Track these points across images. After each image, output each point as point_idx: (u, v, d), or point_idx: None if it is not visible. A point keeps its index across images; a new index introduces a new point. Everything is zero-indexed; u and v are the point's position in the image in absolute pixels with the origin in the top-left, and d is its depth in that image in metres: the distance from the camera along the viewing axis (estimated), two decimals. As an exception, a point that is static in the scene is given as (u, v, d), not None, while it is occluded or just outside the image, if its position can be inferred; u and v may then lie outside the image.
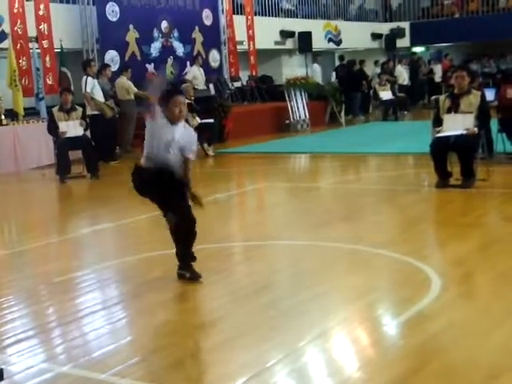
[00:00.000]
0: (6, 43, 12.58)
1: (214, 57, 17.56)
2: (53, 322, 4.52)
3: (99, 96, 12.34)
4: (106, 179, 10.62)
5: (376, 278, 5.07)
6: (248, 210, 8.70)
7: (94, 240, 6.95)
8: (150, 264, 5.65)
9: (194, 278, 4.98)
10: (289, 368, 3.53)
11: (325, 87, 18.51)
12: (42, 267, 5.91)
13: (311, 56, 20.49)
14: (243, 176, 11.06)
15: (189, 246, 5.02)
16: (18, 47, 12.68)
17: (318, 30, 21.32)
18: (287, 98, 16.81)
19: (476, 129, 7.97)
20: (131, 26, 15.12)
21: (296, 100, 16.96)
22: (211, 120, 13.00)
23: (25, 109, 12.77)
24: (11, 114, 12.44)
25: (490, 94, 10.03)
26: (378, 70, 21.65)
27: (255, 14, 19.08)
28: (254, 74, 18.99)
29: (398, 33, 24.71)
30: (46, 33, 13.26)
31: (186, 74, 15.97)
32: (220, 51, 17.73)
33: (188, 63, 16.39)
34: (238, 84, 18.48)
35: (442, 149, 8.03)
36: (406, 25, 25.02)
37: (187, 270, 5.00)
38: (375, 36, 24.47)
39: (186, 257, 5.03)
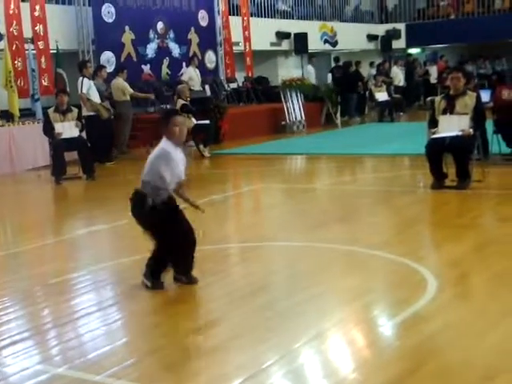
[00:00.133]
0: (2, 44, 12.55)
1: (210, 58, 17.56)
2: (48, 323, 4.51)
3: (95, 97, 12.33)
4: (102, 180, 10.61)
5: (372, 280, 5.07)
6: (244, 211, 8.70)
7: (89, 241, 6.94)
8: (146, 265, 5.63)
9: (192, 281, 4.97)
10: (285, 369, 3.53)
11: (321, 88, 18.53)
12: (37, 268, 5.90)
13: (307, 57, 20.51)
14: (239, 177, 11.06)
15: (191, 257, 5.00)
16: (14, 48, 12.65)
17: (313, 31, 21.33)
18: (283, 99, 16.82)
19: (471, 130, 7.98)
20: (127, 27, 15.11)
21: (292, 101, 16.96)
22: (207, 121, 13.00)
23: (20, 110, 12.75)
24: (6, 115, 12.42)
25: (485, 96, 10.06)
26: (374, 71, 21.69)
27: (251, 15, 19.08)
28: (249, 75, 18.99)
29: (393, 34, 24.74)
30: (42, 34, 13.23)
31: (181, 75, 15.96)
32: (216, 52, 17.73)
33: (184, 64, 16.37)
34: (233, 85, 18.48)
35: (437, 150, 8.04)
36: (401, 26, 25.05)
37: (184, 275, 4.99)
38: (371, 37, 24.50)
39: (185, 264, 5.01)
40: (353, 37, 23.27)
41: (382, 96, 18.36)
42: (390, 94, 18.85)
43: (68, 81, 13.55)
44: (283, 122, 16.78)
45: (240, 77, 18.95)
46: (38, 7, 13.12)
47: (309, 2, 22.21)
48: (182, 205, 5.03)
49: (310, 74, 19.37)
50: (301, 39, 20.27)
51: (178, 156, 4.89)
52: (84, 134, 11.33)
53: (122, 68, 13.84)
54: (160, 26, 16.00)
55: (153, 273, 4.95)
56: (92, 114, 12.17)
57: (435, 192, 8.09)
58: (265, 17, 20.15)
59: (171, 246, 4.89)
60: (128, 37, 15.16)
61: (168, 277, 5.04)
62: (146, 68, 15.69)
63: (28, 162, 12.08)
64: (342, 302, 4.61)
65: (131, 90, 13.22)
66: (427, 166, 8.22)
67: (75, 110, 10.86)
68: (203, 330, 4.20)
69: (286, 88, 16.97)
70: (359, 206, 7.89)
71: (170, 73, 16.27)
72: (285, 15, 21.07)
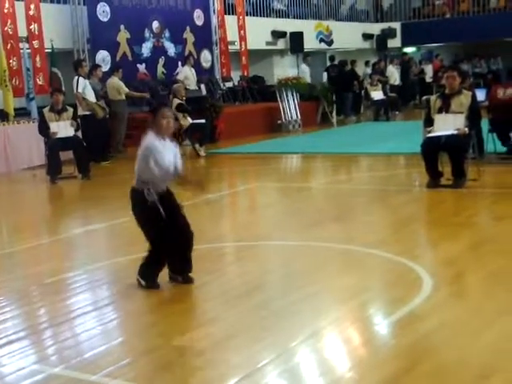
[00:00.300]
0: (-4, 43, 12.54)
1: (206, 57, 17.54)
2: (44, 323, 4.51)
3: (91, 96, 12.31)
4: (98, 180, 10.59)
5: (368, 278, 5.08)
6: (240, 210, 8.70)
7: (85, 241, 6.93)
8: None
9: (188, 281, 4.97)
10: (280, 368, 3.54)
11: (316, 87, 18.53)
12: (33, 268, 5.89)
13: (303, 56, 20.51)
14: (235, 176, 11.06)
15: (187, 256, 5.00)
16: (9, 47, 12.63)
17: (309, 30, 21.33)
18: (279, 99, 16.82)
19: (467, 129, 7.99)
20: (122, 27, 15.09)
21: (287, 100, 16.96)
22: (203, 120, 12.99)
23: (16, 109, 12.72)
24: (1, 115, 12.39)
25: (480, 94, 10.08)
26: (369, 70, 21.71)
27: (247, 14, 19.06)
28: (245, 74, 18.98)
29: (389, 33, 24.75)
30: (37, 33, 13.20)
31: (177, 74, 15.94)
32: (211, 51, 17.72)
33: (179, 63, 16.36)
34: (229, 84, 18.47)
35: (433, 149, 8.05)
36: (397, 25, 25.07)
37: (180, 274, 4.99)
38: (366, 36, 24.51)
39: (181, 263, 5.01)
40: (348, 36, 23.28)
41: (377, 95, 18.37)
42: (385, 93, 18.86)
43: (63, 80, 13.52)
44: (279, 121, 16.78)
45: (236, 76, 18.94)
46: (32, 6, 13.09)
47: (304, 1, 22.20)
48: (182, 202, 5.02)
49: (305, 73, 19.37)
50: (296, 38, 20.27)
51: (167, 146, 4.88)
52: (79, 134, 11.32)
53: (117, 67, 13.83)
54: (155, 25, 15.98)
55: (148, 272, 4.95)
56: (87, 113, 12.16)
57: (431, 191, 8.10)
58: (260, 16, 20.14)
59: (166, 244, 4.89)
60: (123, 36, 15.13)
61: (163, 276, 5.04)
62: (142, 67, 15.67)
63: (23, 162, 12.06)
64: (337, 300, 4.61)
65: (126, 90, 13.20)
66: (423, 164, 8.23)
67: (70, 110, 10.84)
68: (199, 330, 4.20)
69: (282, 87, 16.97)
70: (355, 205, 7.90)
71: (165, 72, 16.25)
72: (280, 14, 21.06)
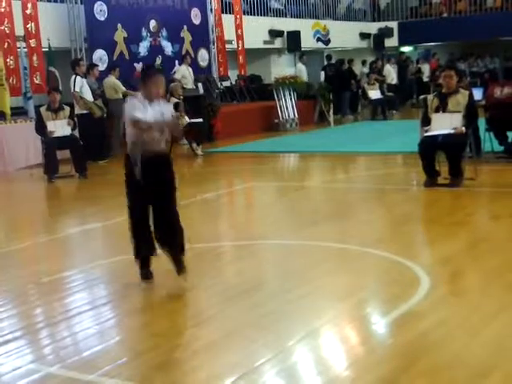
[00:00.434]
0: (-7, 42, 12.52)
1: (203, 56, 17.52)
2: (41, 322, 4.50)
3: (88, 95, 12.30)
4: (95, 179, 10.58)
5: (364, 277, 5.08)
6: (237, 209, 8.69)
7: (82, 240, 6.93)
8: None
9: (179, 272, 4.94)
10: (278, 367, 3.53)
11: (313, 86, 18.52)
12: (29, 267, 5.88)
13: (299, 55, 20.52)
14: (232, 175, 11.05)
15: (174, 253, 4.98)
16: (6, 46, 12.60)
17: (306, 29, 21.33)
18: (276, 98, 16.82)
19: (464, 128, 7.99)
20: (119, 25, 15.06)
21: (285, 99, 16.96)
22: (200, 119, 12.98)
23: (13, 108, 12.70)
24: (-2, 114, 12.38)
25: (477, 94, 10.08)
26: (365, 69, 21.72)
27: (244, 13, 19.05)
28: (242, 73, 18.97)
29: (386, 32, 24.76)
30: (34, 32, 13.18)
31: (174, 73, 15.91)
32: (209, 50, 17.70)
33: (176, 62, 16.33)
34: (226, 83, 18.46)
35: (430, 148, 8.05)
36: (394, 24, 25.08)
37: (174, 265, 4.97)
38: (363, 35, 24.51)
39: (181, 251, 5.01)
40: (345, 35, 23.28)
41: (374, 94, 18.39)
42: (382, 92, 18.88)
43: (60, 79, 13.50)
44: (276, 120, 16.78)
45: (233, 75, 18.93)
46: (29, 5, 13.06)
47: (302, 0, 22.20)
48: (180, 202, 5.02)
49: (301, 71, 19.37)
50: (294, 37, 20.27)
51: (152, 106, 4.78)
52: (77, 133, 11.31)
53: (114, 66, 13.81)
54: (152, 24, 15.95)
55: (134, 250, 4.98)
56: (85, 112, 12.15)
57: (428, 190, 8.11)
58: (258, 15, 20.13)
59: (136, 220, 4.92)
60: (120, 35, 15.11)
61: (161, 275, 5.03)
62: (139, 66, 15.60)
63: (20, 161, 12.04)
64: (334, 299, 4.61)
65: (124, 88, 13.18)
66: (420, 163, 8.24)
67: (67, 109, 10.84)
68: (196, 329, 4.20)
69: (279, 86, 16.97)
70: (352, 204, 7.90)
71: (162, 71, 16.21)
72: (278, 13, 21.05)
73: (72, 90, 12.20)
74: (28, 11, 13.06)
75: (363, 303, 4.52)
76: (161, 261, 5.07)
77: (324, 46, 22.66)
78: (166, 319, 4.39)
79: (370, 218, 7.09)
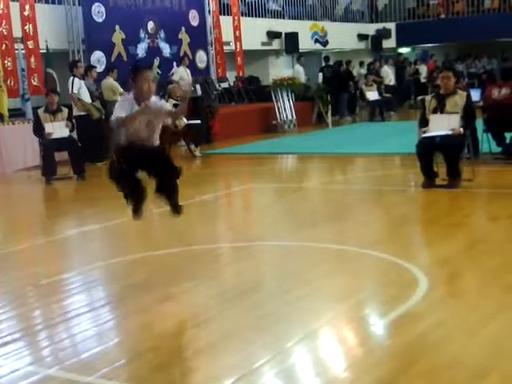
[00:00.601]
0: (-9, 44, 12.51)
1: (201, 57, 17.54)
2: (39, 324, 4.50)
3: (86, 97, 12.30)
4: (93, 180, 10.57)
5: (363, 278, 5.08)
6: (235, 210, 8.70)
7: (80, 241, 6.92)
8: (137, 266, 5.63)
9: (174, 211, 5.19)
10: (276, 369, 3.54)
11: (311, 88, 18.53)
12: (28, 269, 5.88)
13: (296, 57, 20.54)
14: (230, 177, 11.05)
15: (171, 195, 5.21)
16: (3, 48, 12.60)
17: (304, 30, 21.35)
18: (274, 99, 16.82)
19: (462, 129, 8.01)
20: (117, 27, 15.07)
21: (283, 100, 16.97)
22: (198, 121, 12.98)
23: (11, 110, 12.70)
24: (-4, 116, 12.38)
25: (475, 95, 10.10)
26: (363, 70, 21.74)
27: (242, 15, 19.07)
28: (240, 74, 18.99)
29: (384, 33, 24.80)
30: (32, 33, 13.17)
31: (172, 74, 15.92)
32: (207, 52, 17.71)
33: (175, 64, 16.35)
34: (224, 85, 18.47)
35: (428, 149, 8.06)
36: (391, 25, 25.11)
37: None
38: (361, 37, 24.54)
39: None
40: (343, 36, 23.30)
41: (372, 95, 18.40)
42: (380, 94, 18.89)
43: (58, 80, 13.50)
44: (274, 122, 16.79)
45: (231, 76, 18.94)
46: (27, 6, 13.06)
47: (299, 1, 22.21)
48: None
49: (299, 73, 19.40)
50: (292, 39, 20.30)
51: (136, 107, 4.85)
52: (75, 134, 11.30)
53: (112, 68, 13.82)
54: (151, 25, 15.96)
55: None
56: (83, 113, 12.15)
57: (426, 191, 8.12)
58: (255, 16, 20.15)
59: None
60: (118, 36, 15.12)
61: (159, 277, 5.03)
62: (137, 68, 15.63)
63: (18, 163, 12.03)
64: (332, 301, 4.61)
65: (121, 90, 13.16)
66: (418, 164, 8.24)
67: (65, 110, 10.84)
68: (194, 330, 4.20)
69: (277, 87, 16.98)
70: (350, 206, 7.90)
71: (160, 72, 16.21)
72: (275, 15, 21.07)
73: (70, 92, 12.20)
74: (26, 13, 13.06)
75: (361, 304, 4.52)
76: (159, 261, 5.08)
77: (322, 48, 22.68)
78: (165, 321, 4.39)
79: (368, 220, 7.09)
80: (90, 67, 13.28)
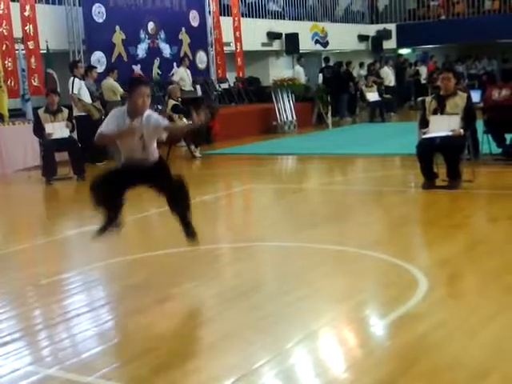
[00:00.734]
0: (-8, 44, 12.52)
1: (201, 58, 17.54)
2: (39, 324, 4.50)
3: (86, 97, 12.30)
4: (93, 181, 10.56)
5: (363, 279, 5.08)
6: (235, 211, 8.70)
7: (80, 242, 6.91)
8: (137, 266, 5.63)
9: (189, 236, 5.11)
10: (276, 369, 3.53)
11: (312, 88, 18.54)
12: (28, 269, 5.88)
13: (296, 57, 20.54)
14: (230, 177, 11.05)
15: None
16: (4, 48, 12.61)
17: (304, 31, 21.36)
18: (274, 100, 16.83)
19: (462, 130, 8.01)
20: (117, 27, 15.08)
21: (283, 101, 16.97)
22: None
23: (11, 110, 12.71)
24: (-4, 116, 12.38)
25: (475, 96, 10.10)
26: (363, 71, 21.75)
27: (242, 16, 19.08)
28: (241, 75, 18.99)
29: (384, 34, 24.80)
30: (32, 34, 13.18)
31: (172, 75, 15.93)
32: (207, 52, 17.72)
33: (175, 64, 16.36)
34: (225, 85, 18.48)
35: (428, 150, 8.06)
36: (392, 26, 25.12)
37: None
38: (362, 38, 24.55)
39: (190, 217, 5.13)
40: (344, 37, 23.32)
41: (372, 96, 18.41)
42: (380, 94, 18.90)
43: (58, 81, 13.50)
44: (274, 123, 16.79)
45: (231, 77, 18.95)
46: (28, 7, 13.07)
47: (300, 2, 22.23)
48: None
49: (300, 74, 19.41)
50: (292, 39, 20.30)
51: (128, 121, 4.83)
52: (75, 135, 11.30)
53: (112, 68, 13.83)
54: (151, 26, 15.97)
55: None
56: (83, 114, 12.15)
57: (426, 192, 8.12)
58: (256, 17, 20.16)
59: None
60: (119, 37, 15.13)
61: (159, 277, 5.03)
62: (137, 68, 15.65)
63: (18, 163, 12.03)
64: (332, 302, 4.61)
65: (122, 90, 13.18)
66: (418, 165, 8.24)
67: (65, 111, 10.84)
68: (194, 331, 4.20)
69: (277, 88, 16.98)
70: (350, 206, 7.90)
71: (160, 73, 16.24)
72: (276, 15, 21.08)
73: (70, 92, 12.21)
74: (26, 13, 13.07)
75: (361, 305, 4.52)
76: (159, 261, 5.07)
77: (322, 48, 22.69)
78: (165, 321, 4.39)
79: (368, 220, 7.09)
80: (90, 68, 13.29)
